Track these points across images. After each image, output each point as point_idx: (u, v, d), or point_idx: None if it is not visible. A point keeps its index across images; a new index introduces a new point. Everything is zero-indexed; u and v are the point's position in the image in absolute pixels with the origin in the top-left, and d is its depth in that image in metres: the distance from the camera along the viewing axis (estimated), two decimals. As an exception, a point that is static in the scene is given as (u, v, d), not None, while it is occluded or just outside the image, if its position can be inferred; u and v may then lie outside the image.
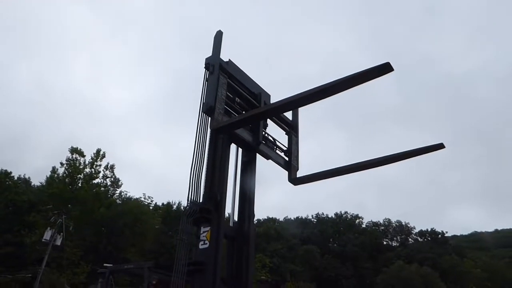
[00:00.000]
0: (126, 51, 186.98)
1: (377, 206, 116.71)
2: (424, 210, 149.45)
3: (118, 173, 60.47)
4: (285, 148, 7.18)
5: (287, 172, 7.08)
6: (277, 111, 5.94)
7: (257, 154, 6.61)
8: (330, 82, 4.30)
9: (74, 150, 52.16)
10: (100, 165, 53.71)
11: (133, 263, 5.72)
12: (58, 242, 32.10)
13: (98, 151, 53.78)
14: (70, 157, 51.95)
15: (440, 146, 3.76)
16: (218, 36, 6.34)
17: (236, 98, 6.43)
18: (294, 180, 7.03)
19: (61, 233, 32.38)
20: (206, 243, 5.13)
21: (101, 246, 49.27)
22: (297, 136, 7.35)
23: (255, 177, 6.46)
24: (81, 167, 52.24)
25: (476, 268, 58.58)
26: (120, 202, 58.43)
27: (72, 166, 51.58)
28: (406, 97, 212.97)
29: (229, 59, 6.68)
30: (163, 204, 65.43)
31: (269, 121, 7.19)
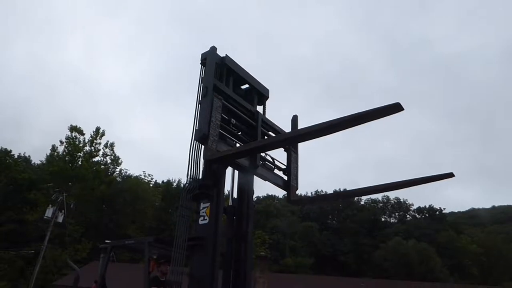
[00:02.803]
0: (122, 29, 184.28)
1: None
2: (422, 188, 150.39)
3: (117, 151, 60.69)
4: (283, 167, 6.73)
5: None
6: (274, 146, 5.53)
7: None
8: (337, 119, 4.05)
9: (73, 129, 52.16)
10: (99, 143, 53.84)
11: (133, 238, 5.84)
12: (60, 219, 32.43)
13: (98, 129, 53.80)
14: (70, 135, 52.01)
15: (449, 175, 3.61)
16: (212, 53, 5.94)
17: (232, 120, 6.05)
18: (294, 201, 6.71)
19: (63, 211, 32.66)
20: (206, 219, 5.18)
21: (102, 223, 49.91)
22: (296, 153, 6.94)
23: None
24: (80, 145, 52.34)
25: (472, 244, 59.47)
26: (120, 179, 58.84)
27: (72, 144, 51.68)
28: (400, 78, 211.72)
29: (226, 55, 6.31)
30: (163, 181, 65.95)
31: (266, 135, 6.81)
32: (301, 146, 7.17)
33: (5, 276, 41.96)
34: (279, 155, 6.81)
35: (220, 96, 5.68)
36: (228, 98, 5.99)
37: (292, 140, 5.77)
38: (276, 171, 6.66)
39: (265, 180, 6.52)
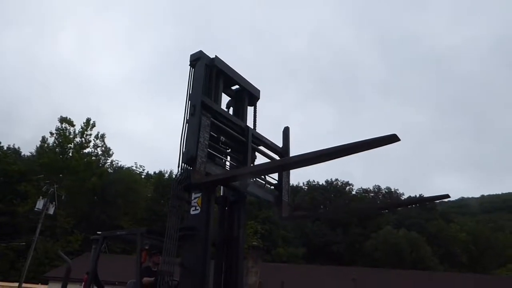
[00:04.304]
0: (115, 22, 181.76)
1: (367, 174, 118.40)
2: (413, 178, 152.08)
3: (108, 142, 60.36)
4: (275, 182, 6.49)
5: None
6: (265, 173, 5.39)
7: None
8: (333, 148, 3.94)
9: (63, 120, 51.69)
10: (90, 135, 53.49)
11: (125, 229, 5.79)
12: (51, 211, 32.23)
13: (88, 120, 53.37)
14: (60, 127, 51.56)
15: (445, 196, 3.52)
16: (199, 69, 5.72)
17: (221, 138, 5.86)
18: (286, 218, 6.55)
19: (53, 202, 32.46)
20: (198, 209, 5.17)
21: (94, 215, 49.72)
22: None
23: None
24: (71, 136, 51.95)
25: (461, 233, 60.41)
26: (111, 171, 58.54)
27: (62, 135, 51.27)
28: (392, 72, 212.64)
29: (216, 55, 6.12)
30: (154, 173, 65.75)
31: (257, 150, 6.60)
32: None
33: (-4, 268, 41.78)
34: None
35: (208, 113, 5.43)
36: (217, 114, 5.74)
37: (284, 167, 5.65)
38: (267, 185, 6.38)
39: (256, 197, 6.36)
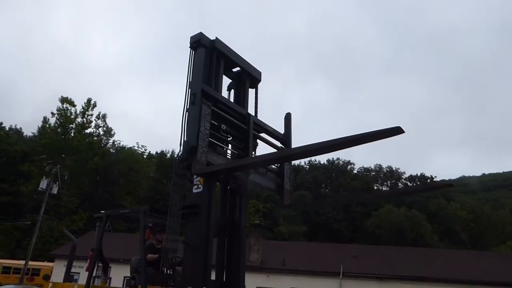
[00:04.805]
0: (114, 2, 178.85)
1: (368, 152, 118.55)
2: (414, 156, 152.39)
3: (110, 122, 60.34)
4: (276, 169, 6.40)
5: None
6: (267, 164, 5.28)
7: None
8: (336, 139, 3.86)
9: (64, 100, 51.58)
10: (91, 115, 53.48)
11: (128, 208, 5.86)
12: (55, 191, 32.51)
13: (89, 100, 53.25)
14: (61, 107, 51.50)
15: (398, 131, 3.41)
16: (200, 55, 5.57)
17: (222, 126, 5.75)
18: (287, 206, 6.49)
19: (57, 182, 32.71)
20: (200, 187, 5.20)
21: (97, 195, 50.18)
22: None
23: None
24: (72, 117, 51.94)
25: (462, 211, 60.84)
26: (113, 151, 58.76)
27: (63, 116, 51.26)
28: (392, 48, 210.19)
29: (216, 37, 5.96)
30: (156, 153, 65.99)
31: (259, 137, 6.46)
32: (293, 116, 6.87)
33: (3, 247, 42.47)
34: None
35: (209, 102, 5.33)
36: (218, 102, 5.65)
37: (287, 158, 5.58)
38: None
39: (257, 186, 6.30)
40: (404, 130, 3.31)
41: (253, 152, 6.11)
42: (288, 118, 6.80)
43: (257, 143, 6.42)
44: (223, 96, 5.96)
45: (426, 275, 23.65)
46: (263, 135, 6.52)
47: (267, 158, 4.92)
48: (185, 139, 5.18)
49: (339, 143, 4.00)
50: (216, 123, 5.63)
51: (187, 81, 5.56)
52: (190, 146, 4.92)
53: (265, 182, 6.23)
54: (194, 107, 5.21)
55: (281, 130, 6.73)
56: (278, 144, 6.67)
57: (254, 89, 6.82)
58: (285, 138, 6.65)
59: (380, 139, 3.71)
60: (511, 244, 50.24)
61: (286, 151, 4.66)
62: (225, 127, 5.79)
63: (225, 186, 6.06)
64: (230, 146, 6.03)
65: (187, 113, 5.32)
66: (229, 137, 5.97)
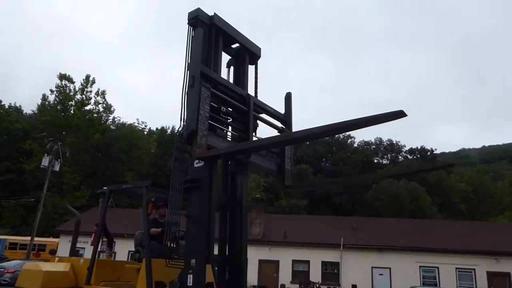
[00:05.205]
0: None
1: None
2: (415, 129, 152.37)
3: (109, 99, 60.09)
4: (277, 149, 6.31)
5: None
6: (269, 147, 5.19)
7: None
8: (339, 123, 3.78)
9: (62, 77, 51.23)
10: (91, 91, 53.22)
11: (131, 183, 5.90)
12: (57, 168, 32.71)
13: (88, 77, 52.89)
14: (60, 84, 51.20)
15: (400, 114, 3.39)
16: (198, 35, 5.38)
17: (222, 108, 5.62)
18: (289, 187, 6.39)
19: (59, 159, 32.87)
20: (201, 162, 5.22)
21: (99, 171, 50.50)
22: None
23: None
24: (71, 93, 51.70)
25: (461, 183, 61.30)
26: (114, 128, 58.78)
27: (63, 93, 51.03)
28: (392, 20, 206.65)
29: (215, 13, 5.81)
30: (157, 129, 66.00)
31: (259, 118, 6.33)
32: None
33: (8, 224, 43.12)
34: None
35: (208, 84, 5.23)
36: (217, 84, 5.54)
37: (290, 142, 5.52)
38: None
39: (258, 167, 6.25)
40: (407, 114, 3.34)
41: (254, 134, 6.03)
42: (288, 98, 6.73)
43: (257, 124, 6.34)
44: (222, 78, 5.88)
45: (425, 246, 24.10)
46: (263, 115, 6.46)
47: (268, 142, 4.90)
48: (184, 119, 5.15)
49: (342, 126, 3.99)
50: (216, 105, 5.59)
51: (186, 62, 5.47)
52: (190, 130, 4.91)
53: (265, 163, 6.18)
54: (193, 89, 5.09)
55: (281, 108, 6.68)
56: (279, 124, 6.65)
57: (254, 66, 6.74)
58: (286, 118, 6.58)
59: (383, 122, 3.72)
60: (510, 215, 50.88)
61: (288, 136, 4.64)
62: (224, 109, 5.75)
63: (226, 162, 6.09)
64: (230, 128, 6.00)
65: (186, 96, 5.27)
66: (229, 119, 5.93)
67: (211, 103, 5.29)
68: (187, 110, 5.14)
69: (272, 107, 6.49)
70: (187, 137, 4.94)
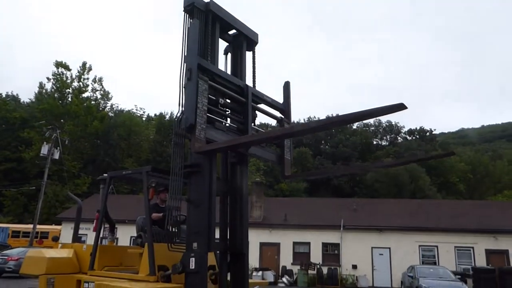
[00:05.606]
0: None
1: (367, 107, 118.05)
2: (413, 109, 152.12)
3: (107, 85, 59.80)
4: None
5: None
6: (266, 141, 5.14)
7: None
8: (338, 117, 3.84)
9: (59, 64, 50.86)
10: (87, 79, 52.93)
11: (131, 169, 5.89)
12: (56, 156, 32.75)
13: (84, 64, 52.52)
14: (56, 72, 50.87)
15: (401, 107, 3.39)
16: (194, 26, 5.28)
17: (220, 100, 5.55)
18: (289, 177, 6.39)
19: (58, 147, 32.89)
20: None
21: (99, 158, 50.59)
22: (289, 123, 6.43)
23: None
24: (68, 81, 51.42)
25: (460, 163, 61.53)
26: (112, 114, 58.63)
27: (59, 80, 50.74)
28: (390, 2, 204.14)
29: (210, 0, 5.72)
30: (155, 115, 65.85)
31: (257, 109, 6.27)
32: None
33: (10, 212, 43.41)
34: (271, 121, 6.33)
35: (205, 76, 5.17)
36: (215, 76, 5.48)
37: (288, 135, 5.50)
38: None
39: (256, 157, 6.24)
40: (407, 106, 3.38)
41: (252, 124, 6.00)
42: (286, 87, 6.66)
43: (256, 114, 6.28)
44: (220, 69, 5.82)
45: (424, 226, 24.34)
46: (262, 106, 6.44)
47: (267, 136, 4.87)
48: (183, 104, 5.12)
49: (342, 120, 4.00)
50: (214, 98, 5.55)
51: (182, 53, 5.40)
52: (188, 124, 4.89)
53: (265, 154, 6.14)
54: (190, 83, 5.03)
55: (279, 97, 6.65)
56: (278, 114, 6.61)
57: (251, 52, 6.67)
58: (284, 107, 6.51)
59: (384, 115, 3.75)
60: (508, 193, 51.25)
61: (288, 129, 4.63)
62: (223, 101, 5.72)
63: (225, 154, 6.08)
64: (228, 120, 5.97)
65: (184, 89, 5.22)
66: (227, 111, 5.89)
67: (209, 96, 5.27)
68: (184, 103, 5.11)
69: (271, 96, 6.43)
70: (185, 131, 4.93)
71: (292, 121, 6.81)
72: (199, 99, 4.96)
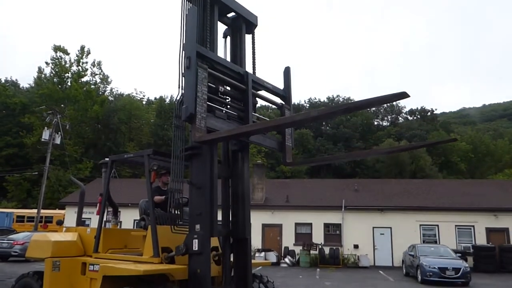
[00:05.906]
0: None
1: (368, 87, 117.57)
2: (414, 89, 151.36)
3: (106, 69, 59.39)
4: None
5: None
6: (266, 130, 5.04)
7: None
8: (339, 105, 3.85)
9: (57, 48, 50.45)
10: (86, 63, 52.57)
11: (132, 152, 5.91)
12: (58, 141, 32.76)
13: (83, 48, 52.11)
14: (55, 56, 50.49)
15: (404, 95, 3.36)
16: (192, 14, 5.18)
17: (220, 88, 5.47)
18: (290, 163, 6.39)
19: (59, 132, 32.88)
20: (202, 128, 5.21)
21: (100, 143, 50.67)
22: (290, 109, 6.37)
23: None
24: (67, 65, 51.08)
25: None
26: (112, 98, 58.44)
27: (58, 65, 50.42)
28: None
29: None
30: (155, 98, 65.65)
31: (258, 96, 6.25)
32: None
33: (14, 197, 43.73)
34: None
35: (205, 64, 5.08)
36: (214, 63, 5.39)
37: (288, 125, 5.46)
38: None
39: (258, 145, 6.21)
40: (410, 95, 3.38)
41: (253, 111, 5.94)
42: (287, 72, 6.58)
43: (257, 101, 6.26)
44: (219, 57, 5.72)
45: (425, 205, 24.48)
46: (262, 92, 6.37)
47: (268, 125, 4.83)
48: (183, 86, 5.06)
49: (344, 109, 4.03)
50: (214, 86, 5.47)
51: (181, 40, 5.30)
52: (188, 113, 4.82)
53: (266, 142, 6.13)
54: (189, 71, 4.94)
55: (279, 82, 6.57)
56: (278, 100, 6.55)
57: (250, 35, 6.55)
58: (285, 93, 6.49)
59: (387, 103, 3.76)
60: (509, 172, 51.33)
61: (289, 118, 4.58)
62: (222, 89, 5.63)
63: (227, 142, 6.06)
64: (228, 107, 5.90)
65: (183, 77, 5.14)
66: (227, 99, 5.82)
67: (209, 83, 5.19)
68: (184, 92, 5.04)
69: (271, 83, 6.36)
70: (185, 121, 4.89)
71: (292, 104, 6.77)
72: (199, 88, 4.89)
